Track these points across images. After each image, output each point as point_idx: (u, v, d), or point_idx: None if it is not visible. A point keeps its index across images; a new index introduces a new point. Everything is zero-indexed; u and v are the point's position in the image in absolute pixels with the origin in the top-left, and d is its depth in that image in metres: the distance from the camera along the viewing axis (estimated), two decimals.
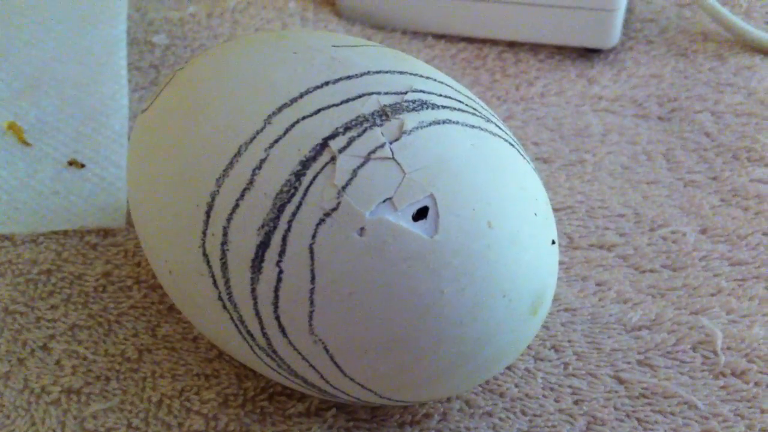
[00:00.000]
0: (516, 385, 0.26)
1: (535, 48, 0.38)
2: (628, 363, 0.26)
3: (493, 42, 0.38)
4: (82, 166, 0.32)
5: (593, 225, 0.31)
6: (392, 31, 0.39)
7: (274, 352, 0.22)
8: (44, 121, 0.33)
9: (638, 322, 0.27)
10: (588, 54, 0.38)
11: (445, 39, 0.39)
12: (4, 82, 0.35)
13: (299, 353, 0.22)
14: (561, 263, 0.29)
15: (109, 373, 0.26)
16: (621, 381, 0.26)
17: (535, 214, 0.22)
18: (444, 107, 0.22)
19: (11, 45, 0.36)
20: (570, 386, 0.26)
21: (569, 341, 0.27)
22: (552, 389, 0.26)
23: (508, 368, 0.26)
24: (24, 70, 0.35)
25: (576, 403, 0.25)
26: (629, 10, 0.39)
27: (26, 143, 0.33)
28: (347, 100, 0.22)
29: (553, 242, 0.23)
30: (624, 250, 0.30)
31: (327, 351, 0.21)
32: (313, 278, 0.21)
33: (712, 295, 0.28)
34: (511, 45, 0.38)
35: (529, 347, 0.27)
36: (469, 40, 0.39)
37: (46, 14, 0.38)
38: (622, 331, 0.27)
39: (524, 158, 0.23)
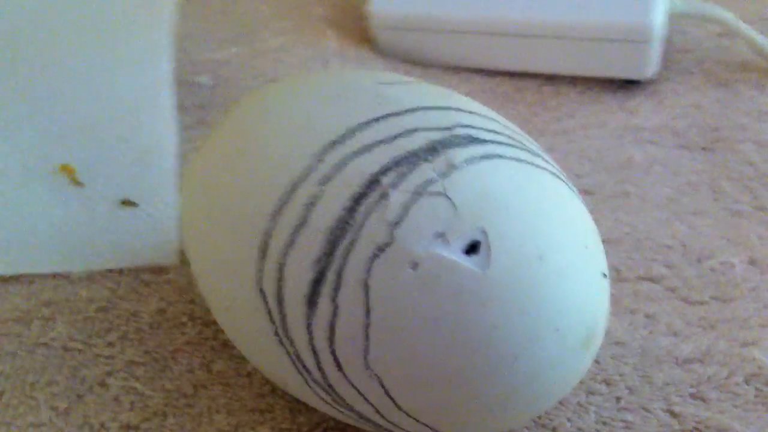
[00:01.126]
0: (569, 420, 0.26)
1: (573, 80, 0.38)
2: (681, 396, 0.26)
3: (532, 75, 0.39)
4: (135, 204, 0.32)
5: (640, 257, 0.31)
6: (430, 66, 0.40)
7: (330, 386, 0.22)
8: (96, 161, 0.34)
9: (689, 355, 0.27)
10: (627, 86, 0.38)
11: (483, 73, 0.39)
12: (56, 124, 0.36)
13: (354, 387, 0.22)
14: (609, 297, 0.29)
15: (165, 408, 0.26)
16: (674, 415, 0.26)
17: (586, 247, 0.22)
18: (491, 141, 0.23)
19: (63, 87, 0.37)
20: (623, 420, 0.26)
21: (620, 375, 0.27)
22: (605, 423, 0.26)
23: (560, 403, 0.26)
24: (75, 112, 0.36)
25: None
26: (667, 42, 0.39)
27: (79, 183, 0.33)
28: (396, 137, 0.22)
29: (604, 275, 0.23)
30: (672, 282, 0.30)
31: (382, 385, 0.22)
32: (368, 313, 0.21)
33: (763, 326, 0.28)
34: (550, 78, 0.39)
35: (580, 381, 0.27)
36: (508, 74, 0.39)
37: (94, 56, 0.39)
38: (673, 364, 0.27)
39: (572, 190, 0.23)
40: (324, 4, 0.43)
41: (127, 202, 0.33)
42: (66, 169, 0.34)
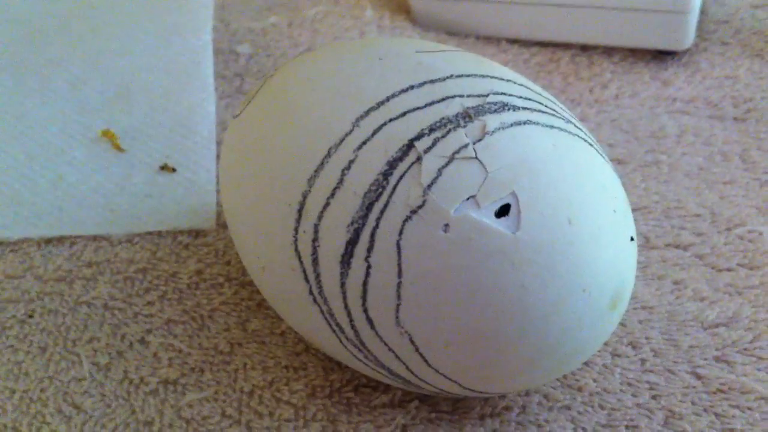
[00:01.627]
0: (594, 380, 0.26)
1: (608, 51, 0.39)
2: (706, 359, 0.27)
3: (566, 46, 0.39)
4: (174, 170, 0.33)
5: (669, 225, 0.31)
6: (466, 36, 0.40)
7: (362, 343, 0.23)
8: (136, 128, 0.35)
9: (715, 320, 0.28)
10: (662, 56, 0.38)
11: (519, 43, 0.39)
12: (97, 92, 0.37)
13: (386, 344, 0.23)
14: (638, 263, 0.29)
15: (203, 365, 0.27)
16: (698, 377, 0.26)
17: (614, 211, 0.23)
18: (524, 109, 0.23)
19: (102, 56, 0.38)
20: (648, 381, 0.26)
21: (646, 338, 0.27)
22: (630, 384, 0.26)
23: (586, 364, 0.27)
24: (115, 80, 0.37)
25: (654, 398, 0.26)
26: (703, 12, 0.39)
27: (120, 149, 0.34)
28: (432, 103, 0.23)
29: (632, 239, 0.23)
30: (700, 249, 0.30)
31: (412, 342, 0.22)
32: (400, 273, 0.22)
33: None
34: (584, 48, 0.39)
35: (606, 344, 0.27)
36: (543, 44, 0.39)
37: (134, 26, 0.40)
38: (699, 329, 0.28)
39: (603, 157, 0.24)
40: None
41: (166, 168, 0.33)
42: (108, 134, 0.35)
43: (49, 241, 0.31)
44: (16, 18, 0.40)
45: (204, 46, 0.38)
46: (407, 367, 0.23)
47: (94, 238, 0.31)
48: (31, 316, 0.29)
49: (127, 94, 0.37)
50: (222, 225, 0.32)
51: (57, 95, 0.37)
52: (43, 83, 0.37)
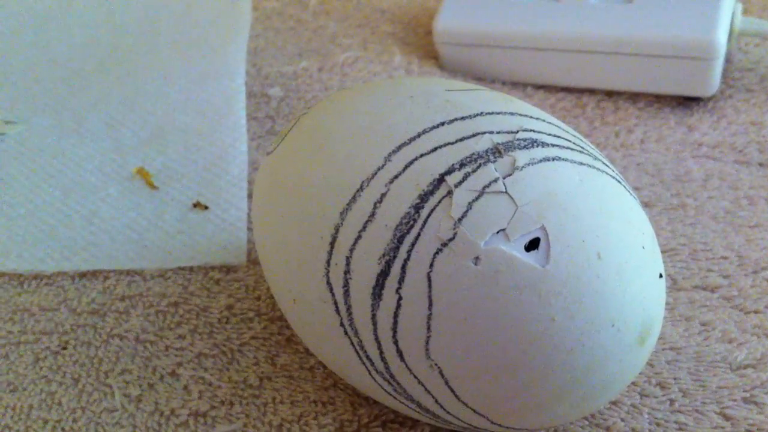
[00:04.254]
0: (622, 420, 0.26)
1: (633, 96, 0.39)
2: (734, 400, 0.27)
3: (592, 91, 0.40)
4: (206, 207, 0.34)
5: (696, 267, 0.31)
6: (492, 81, 0.41)
7: (392, 376, 0.23)
8: (170, 166, 0.36)
9: (744, 361, 0.28)
10: (687, 102, 0.39)
11: (545, 89, 0.40)
12: (132, 131, 0.38)
13: (415, 377, 0.23)
14: (665, 303, 0.29)
15: (232, 398, 0.28)
16: (727, 417, 0.26)
17: (643, 247, 0.23)
18: (553, 145, 0.23)
19: (138, 98, 0.39)
20: (676, 422, 0.26)
21: (675, 379, 0.27)
22: (658, 424, 0.26)
23: (614, 403, 0.27)
24: (150, 121, 0.38)
25: None
26: (728, 60, 0.40)
27: (154, 187, 0.35)
28: (462, 139, 0.23)
29: (660, 275, 0.23)
30: (728, 291, 0.30)
31: (442, 375, 0.23)
32: (430, 305, 0.22)
33: None
34: (610, 94, 0.39)
35: (634, 384, 0.27)
36: (568, 90, 0.40)
37: (170, 69, 0.41)
38: (727, 370, 0.28)
39: (630, 194, 0.24)
40: (391, 22, 0.44)
41: (198, 205, 0.34)
42: (142, 172, 0.35)
43: (83, 275, 0.32)
44: (55, 60, 0.42)
45: (237, 89, 0.39)
46: (436, 401, 0.23)
47: (127, 272, 0.32)
48: (64, 348, 0.29)
49: (161, 135, 0.37)
50: (252, 261, 0.32)
51: (93, 135, 0.38)
52: (79, 123, 0.38)
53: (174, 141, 0.37)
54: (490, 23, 0.40)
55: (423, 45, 0.43)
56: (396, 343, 0.23)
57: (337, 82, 0.40)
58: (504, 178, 0.22)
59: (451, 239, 0.22)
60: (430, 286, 0.22)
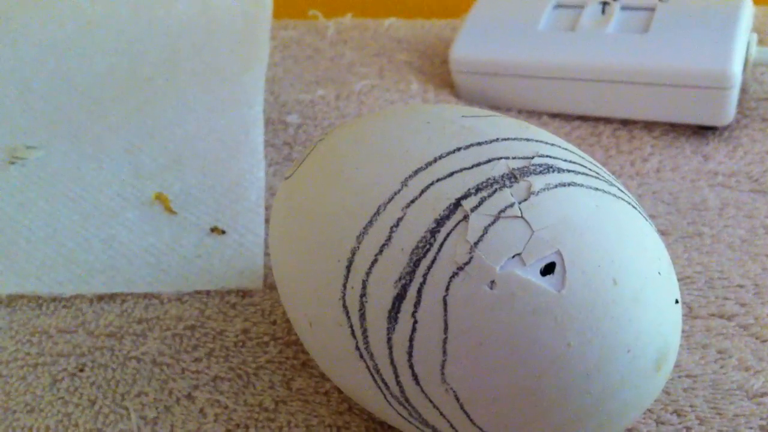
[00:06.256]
0: None
1: (649, 125, 0.39)
2: (751, 428, 0.27)
3: (607, 120, 0.40)
4: (223, 232, 0.34)
5: (713, 295, 0.31)
6: (508, 110, 0.41)
7: (407, 400, 0.23)
8: (188, 192, 0.36)
9: (760, 389, 0.28)
10: (702, 131, 0.39)
11: (560, 117, 0.40)
12: (150, 157, 0.38)
13: (431, 401, 0.23)
14: (682, 331, 0.29)
15: (248, 421, 0.28)
16: None
17: (659, 273, 0.23)
18: (569, 171, 0.24)
19: (158, 125, 0.40)
20: None
21: (691, 406, 0.27)
22: None
23: (630, 430, 0.27)
24: (169, 147, 0.39)
25: None
26: (743, 90, 0.40)
27: (172, 212, 0.35)
28: (478, 164, 0.23)
29: (677, 301, 0.23)
30: (744, 319, 0.30)
31: (457, 399, 0.23)
32: (446, 328, 0.22)
33: None
34: (625, 123, 0.40)
35: (650, 411, 0.27)
36: (584, 119, 0.40)
37: (189, 96, 0.41)
38: (744, 398, 0.27)
39: (646, 220, 0.24)
40: (407, 51, 0.45)
41: (216, 230, 0.34)
42: (160, 197, 0.36)
43: (101, 297, 0.32)
44: (76, 87, 0.42)
45: (255, 117, 0.40)
46: (451, 425, 0.23)
47: (145, 295, 0.32)
48: (81, 370, 0.29)
49: (180, 161, 0.38)
50: (269, 286, 0.32)
51: (112, 160, 0.38)
52: (99, 149, 0.39)
53: (192, 167, 0.38)
54: (505, 52, 0.40)
55: (439, 74, 0.43)
56: (411, 367, 0.23)
57: (353, 110, 0.41)
58: (520, 203, 0.22)
59: (466, 263, 0.22)
60: (445, 309, 0.22)
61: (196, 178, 0.37)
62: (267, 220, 0.35)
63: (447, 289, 0.22)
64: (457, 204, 0.23)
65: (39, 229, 0.35)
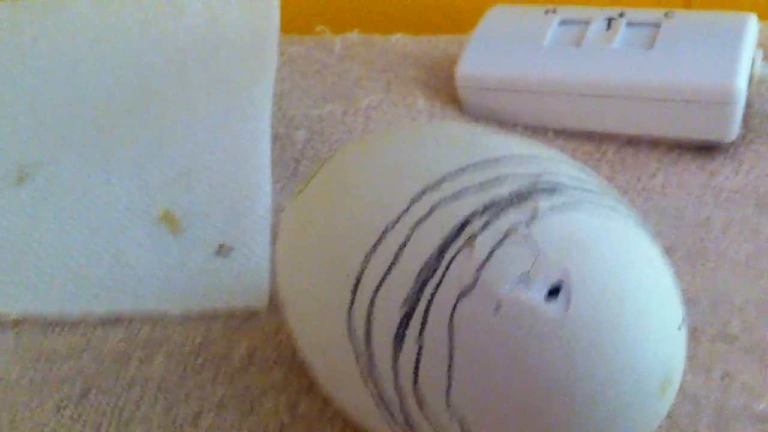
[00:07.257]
0: None
1: (654, 142, 0.39)
2: None
3: (613, 137, 0.40)
4: (230, 249, 0.34)
5: (717, 316, 0.31)
6: (514, 126, 0.41)
7: (411, 426, 0.23)
8: (196, 206, 0.36)
9: (765, 411, 0.28)
10: (707, 147, 0.39)
11: (565, 134, 0.40)
12: (159, 171, 0.38)
13: (436, 427, 0.23)
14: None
15: None
16: None
17: (665, 294, 0.23)
18: (575, 188, 0.24)
19: (166, 139, 0.40)
20: None
21: (695, 430, 0.27)
22: None
23: None
24: (177, 160, 0.39)
25: None
26: (748, 106, 0.40)
27: (179, 228, 0.35)
28: (485, 183, 0.23)
29: (682, 322, 0.23)
30: (749, 340, 0.30)
31: (462, 424, 0.23)
32: (451, 352, 0.22)
33: None
34: (631, 139, 0.40)
35: None
36: (589, 135, 0.40)
37: (197, 111, 0.41)
38: (748, 421, 0.27)
39: (653, 239, 0.24)
40: (414, 66, 0.45)
41: (223, 247, 0.34)
42: (168, 216, 0.36)
43: (105, 321, 0.32)
44: (84, 101, 0.42)
45: (263, 131, 0.40)
46: None
47: (150, 317, 0.32)
48: (86, 395, 0.29)
49: (188, 174, 0.38)
50: (273, 307, 0.32)
51: (121, 174, 0.38)
52: (107, 162, 0.39)
53: (200, 181, 0.38)
54: (511, 68, 0.40)
55: (445, 89, 0.43)
56: (416, 391, 0.23)
57: (361, 125, 0.41)
58: (526, 223, 0.23)
59: (472, 285, 0.22)
60: (451, 332, 0.22)
61: (203, 191, 0.37)
62: (274, 238, 0.35)
63: (453, 311, 0.22)
64: (465, 224, 0.23)
65: (49, 245, 0.35)
